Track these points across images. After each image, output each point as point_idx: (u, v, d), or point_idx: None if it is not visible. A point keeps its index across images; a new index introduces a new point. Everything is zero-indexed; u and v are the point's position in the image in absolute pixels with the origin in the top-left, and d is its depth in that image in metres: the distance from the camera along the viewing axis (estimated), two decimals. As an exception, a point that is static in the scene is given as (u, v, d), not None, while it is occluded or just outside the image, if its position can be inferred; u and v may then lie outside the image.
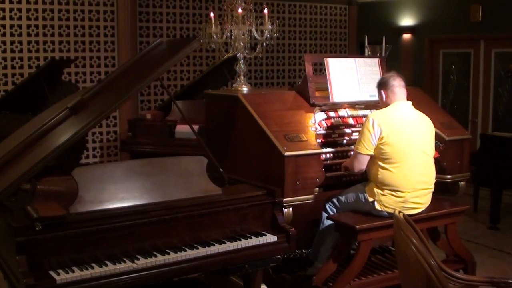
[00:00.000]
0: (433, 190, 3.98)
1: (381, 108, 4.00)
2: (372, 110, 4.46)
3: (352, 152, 4.15)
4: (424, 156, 3.87)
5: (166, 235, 3.13)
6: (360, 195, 3.94)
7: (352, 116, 4.40)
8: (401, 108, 3.91)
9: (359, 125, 4.40)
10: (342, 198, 4.05)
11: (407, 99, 3.98)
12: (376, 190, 3.85)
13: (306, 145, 3.86)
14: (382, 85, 3.98)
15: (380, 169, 3.83)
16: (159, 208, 3.12)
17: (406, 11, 8.88)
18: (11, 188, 3.04)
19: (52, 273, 2.75)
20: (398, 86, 3.93)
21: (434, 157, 4.01)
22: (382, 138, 3.77)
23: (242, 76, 4.57)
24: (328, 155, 4.14)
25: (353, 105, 4.43)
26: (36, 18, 7.08)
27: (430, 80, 8.55)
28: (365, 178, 4.06)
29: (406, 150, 3.79)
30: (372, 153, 3.82)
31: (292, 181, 3.76)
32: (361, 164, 3.88)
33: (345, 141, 4.32)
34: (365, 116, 4.42)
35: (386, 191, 3.82)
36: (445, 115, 4.82)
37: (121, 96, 3.37)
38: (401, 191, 3.81)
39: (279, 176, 3.76)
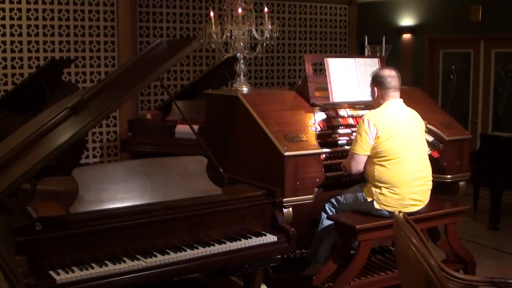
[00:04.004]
0: (431, 187, 3.98)
1: (373, 102, 4.05)
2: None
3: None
4: (417, 151, 3.89)
5: (166, 235, 3.13)
6: (359, 195, 3.94)
7: (352, 116, 4.40)
8: (393, 107, 3.93)
9: (359, 125, 4.40)
10: (341, 199, 4.05)
11: (404, 98, 4.00)
12: (374, 189, 3.86)
13: (306, 145, 3.86)
14: (377, 83, 3.96)
15: (376, 167, 3.84)
16: (159, 208, 3.12)
17: (406, 11, 8.88)
18: (11, 188, 3.04)
19: (52, 273, 2.75)
20: (393, 89, 3.93)
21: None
22: (378, 137, 3.79)
23: (242, 76, 4.57)
24: (328, 155, 4.13)
25: (353, 105, 4.43)
26: (36, 18, 7.08)
27: (430, 80, 8.55)
28: (364, 179, 4.07)
29: (400, 147, 3.81)
30: (369, 153, 3.83)
31: (292, 181, 3.76)
32: (358, 164, 3.88)
33: (345, 141, 4.32)
34: (365, 116, 4.45)
35: (383, 189, 3.83)
36: (445, 115, 4.82)
37: (121, 96, 3.38)
38: (398, 187, 3.81)
39: (279, 176, 3.76)
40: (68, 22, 7.26)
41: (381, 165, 3.83)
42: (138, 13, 7.75)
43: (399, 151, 3.81)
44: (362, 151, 3.83)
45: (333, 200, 4.09)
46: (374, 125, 3.79)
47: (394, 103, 3.94)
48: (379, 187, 3.84)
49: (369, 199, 3.88)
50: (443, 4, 8.33)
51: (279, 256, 3.45)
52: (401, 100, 3.98)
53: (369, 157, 3.86)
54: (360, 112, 4.43)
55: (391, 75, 3.94)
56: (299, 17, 9.13)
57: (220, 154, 4.04)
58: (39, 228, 2.75)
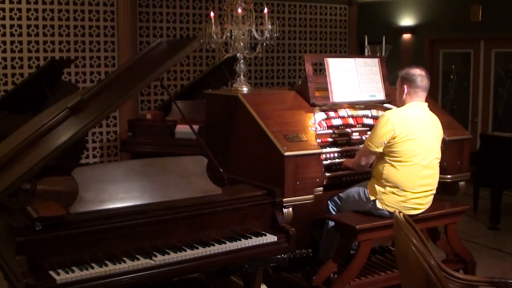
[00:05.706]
0: (434, 192, 3.98)
1: (397, 100, 4.02)
2: (372, 110, 4.48)
3: (356, 152, 4.14)
4: (430, 158, 3.87)
5: (166, 235, 3.13)
6: (361, 194, 3.94)
7: (352, 116, 4.40)
8: (417, 109, 3.90)
9: (359, 125, 4.41)
10: (344, 196, 4.06)
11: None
12: (378, 187, 3.85)
13: (306, 145, 3.86)
14: (407, 81, 3.92)
15: (386, 165, 3.83)
16: (159, 208, 3.12)
17: (406, 11, 8.88)
18: (11, 188, 3.04)
19: (52, 273, 2.75)
20: (422, 89, 3.91)
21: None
22: (395, 137, 3.77)
23: (242, 76, 4.57)
24: (328, 155, 4.13)
25: (353, 105, 4.42)
26: (36, 18, 7.08)
27: (430, 80, 8.53)
28: (366, 178, 4.07)
29: (416, 150, 3.79)
30: (381, 150, 3.83)
31: (292, 181, 3.76)
32: (368, 159, 3.89)
33: (345, 141, 4.32)
34: (365, 116, 4.44)
35: (388, 189, 3.82)
36: (445, 115, 4.81)
37: (121, 96, 3.38)
38: (404, 190, 3.80)
39: (279, 176, 3.76)
40: (68, 22, 7.26)
41: (392, 165, 3.82)
42: (138, 13, 7.75)
43: (413, 154, 3.79)
44: (374, 147, 3.82)
45: (335, 198, 4.11)
46: (393, 124, 3.77)
47: (419, 106, 3.91)
48: (384, 186, 3.84)
49: (372, 198, 3.87)
50: (443, 4, 8.33)
51: (279, 256, 3.44)
52: (426, 104, 3.96)
53: (381, 154, 3.85)
54: (360, 112, 4.43)
55: (422, 75, 3.93)
56: (299, 17, 9.12)
57: (220, 154, 4.04)
58: (39, 228, 2.75)
